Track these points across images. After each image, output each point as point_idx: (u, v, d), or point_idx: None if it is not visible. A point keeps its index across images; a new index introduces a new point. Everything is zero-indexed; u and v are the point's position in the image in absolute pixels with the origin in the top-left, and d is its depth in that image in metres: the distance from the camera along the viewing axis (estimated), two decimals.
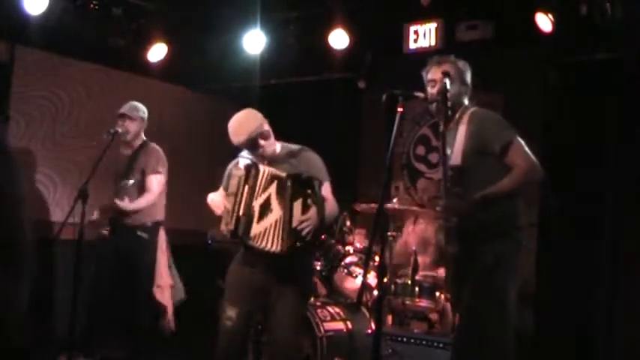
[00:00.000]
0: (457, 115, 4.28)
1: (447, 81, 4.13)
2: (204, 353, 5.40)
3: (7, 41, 7.41)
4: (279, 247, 4.44)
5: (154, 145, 6.48)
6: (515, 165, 4.04)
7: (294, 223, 4.43)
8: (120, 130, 6.21)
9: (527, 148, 4.09)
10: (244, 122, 4.68)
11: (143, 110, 6.43)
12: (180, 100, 9.23)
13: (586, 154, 7.02)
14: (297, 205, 4.45)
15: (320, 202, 4.52)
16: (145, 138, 6.49)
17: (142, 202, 6.25)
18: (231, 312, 4.68)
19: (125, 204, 6.17)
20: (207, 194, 4.81)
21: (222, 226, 4.58)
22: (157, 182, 6.35)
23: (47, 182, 7.70)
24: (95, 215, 6.29)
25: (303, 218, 4.44)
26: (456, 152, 4.13)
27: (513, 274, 4.11)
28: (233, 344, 4.73)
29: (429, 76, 4.35)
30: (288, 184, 4.45)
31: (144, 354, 6.36)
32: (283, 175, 4.50)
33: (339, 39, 7.75)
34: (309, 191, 4.49)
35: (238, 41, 8.18)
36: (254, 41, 8.06)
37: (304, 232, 4.43)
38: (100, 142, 6.28)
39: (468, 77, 4.38)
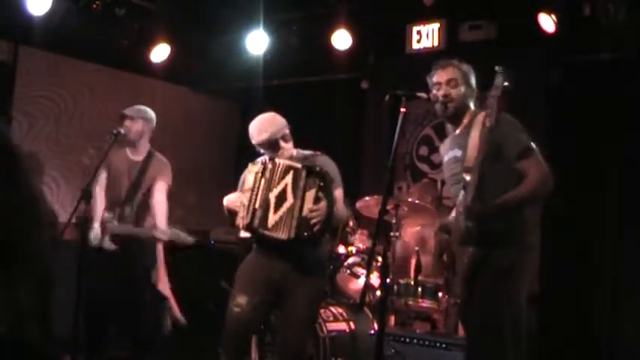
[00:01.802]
0: (466, 120, 4.25)
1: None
2: (206, 354, 5.41)
3: (10, 42, 7.42)
4: (286, 235, 4.48)
5: (161, 156, 6.43)
6: (529, 172, 4.01)
7: (305, 212, 4.45)
8: (122, 130, 6.19)
9: (541, 156, 4.07)
10: (269, 121, 4.78)
11: (146, 111, 6.36)
12: (182, 101, 9.24)
13: (588, 154, 7.02)
14: (310, 195, 4.48)
15: (331, 197, 4.54)
16: (149, 146, 6.43)
17: (163, 218, 6.22)
18: (240, 299, 4.71)
19: (162, 235, 6.14)
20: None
21: (238, 220, 4.64)
22: (164, 191, 6.31)
23: (50, 183, 7.71)
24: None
25: (314, 208, 4.46)
26: (469, 155, 4.09)
27: (525, 277, 4.11)
28: (239, 332, 4.76)
29: (435, 79, 4.32)
30: (303, 174, 4.51)
31: (146, 355, 6.35)
32: (299, 165, 4.56)
33: (341, 39, 7.75)
34: (321, 184, 4.51)
35: (241, 42, 8.18)
36: (257, 42, 8.05)
37: (312, 222, 4.44)
38: (103, 142, 6.27)
39: (473, 80, 4.36)
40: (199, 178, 8.89)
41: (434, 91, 4.31)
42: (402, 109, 3.99)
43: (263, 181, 4.59)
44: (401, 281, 6.06)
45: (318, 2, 7.85)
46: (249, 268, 4.82)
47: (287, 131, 4.79)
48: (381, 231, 4.41)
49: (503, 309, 4.03)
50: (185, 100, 9.29)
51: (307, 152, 4.92)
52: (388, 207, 5.69)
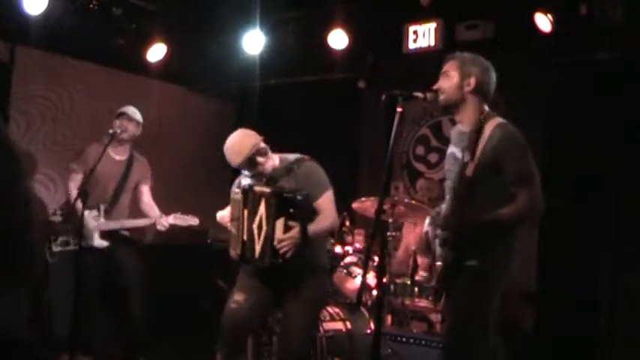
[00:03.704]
0: (475, 117, 4.20)
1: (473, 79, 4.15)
2: (202, 352, 5.40)
3: (7, 41, 7.41)
4: (264, 263, 4.56)
5: (142, 158, 6.56)
6: (519, 197, 3.98)
7: (275, 242, 4.49)
8: (118, 130, 6.21)
9: (537, 181, 4.06)
10: (239, 143, 4.73)
11: (140, 115, 6.45)
12: (179, 100, 9.23)
13: (586, 154, 7.02)
14: (280, 224, 4.52)
15: (304, 220, 4.55)
16: (130, 150, 6.51)
17: (155, 213, 6.34)
18: (238, 296, 4.77)
19: (166, 220, 6.22)
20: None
21: (232, 252, 4.76)
22: (149, 193, 6.55)
23: (47, 182, 7.70)
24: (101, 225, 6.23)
25: (283, 237, 4.49)
26: (470, 164, 4.07)
27: (502, 279, 4.10)
28: (235, 329, 4.78)
29: (444, 67, 4.28)
30: (272, 202, 4.53)
31: (142, 352, 6.37)
32: (267, 191, 4.58)
33: (338, 39, 7.75)
34: (291, 210, 4.52)
35: (238, 41, 8.17)
36: (253, 41, 8.05)
37: (282, 251, 4.48)
38: (100, 142, 6.28)
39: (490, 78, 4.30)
40: (196, 178, 8.88)
41: (440, 80, 4.27)
42: (399, 109, 3.97)
43: (246, 212, 4.65)
44: (398, 281, 6.06)
45: (315, 2, 7.85)
46: (252, 270, 4.83)
47: (261, 145, 4.74)
48: (378, 231, 4.40)
49: (475, 309, 4.03)
50: (182, 100, 9.28)
51: (292, 157, 4.89)
52: (385, 207, 5.69)
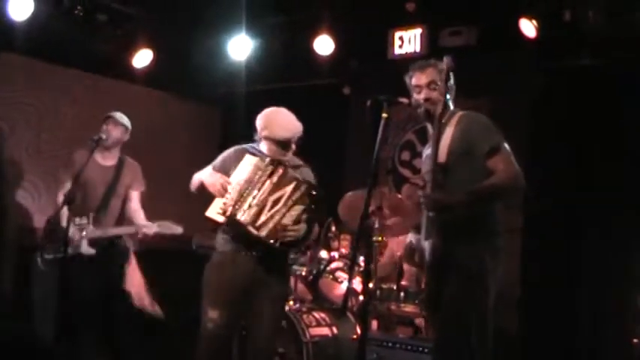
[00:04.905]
0: (444, 119, 4.27)
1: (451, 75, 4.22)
2: None
3: None
4: (262, 233, 4.49)
5: (132, 160, 6.47)
6: (498, 170, 4.05)
7: (284, 222, 4.50)
8: (103, 136, 6.16)
9: (512, 157, 4.10)
10: (293, 122, 4.83)
11: (127, 120, 6.41)
12: (165, 106, 9.21)
13: (570, 157, 7.05)
14: (295, 210, 4.54)
15: (312, 220, 4.64)
16: (119, 152, 6.44)
17: (139, 221, 6.28)
18: (213, 314, 4.64)
19: (149, 229, 6.15)
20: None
21: (222, 205, 4.60)
22: (139, 200, 6.42)
23: (31, 189, 7.66)
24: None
25: (290, 227, 4.52)
26: (442, 150, 4.12)
27: (494, 278, 4.12)
28: (217, 348, 4.71)
29: (414, 81, 4.34)
30: (302, 189, 4.54)
31: None
32: (303, 181, 4.60)
33: (324, 45, 7.77)
34: (312, 206, 4.59)
35: (224, 47, 8.18)
36: (240, 47, 8.06)
37: (284, 238, 4.50)
38: (84, 148, 6.25)
39: (452, 78, 4.36)
40: (181, 184, 8.79)
41: (414, 94, 4.33)
42: (384, 115, 4.01)
43: (268, 182, 4.58)
44: (383, 286, 6.07)
45: (301, 8, 7.87)
46: (217, 277, 4.74)
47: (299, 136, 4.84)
48: (363, 236, 4.42)
49: (470, 311, 4.04)
50: (167, 106, 9.26)
51: (296, 159, 4.94)
52: (370, 209, 5.69)
